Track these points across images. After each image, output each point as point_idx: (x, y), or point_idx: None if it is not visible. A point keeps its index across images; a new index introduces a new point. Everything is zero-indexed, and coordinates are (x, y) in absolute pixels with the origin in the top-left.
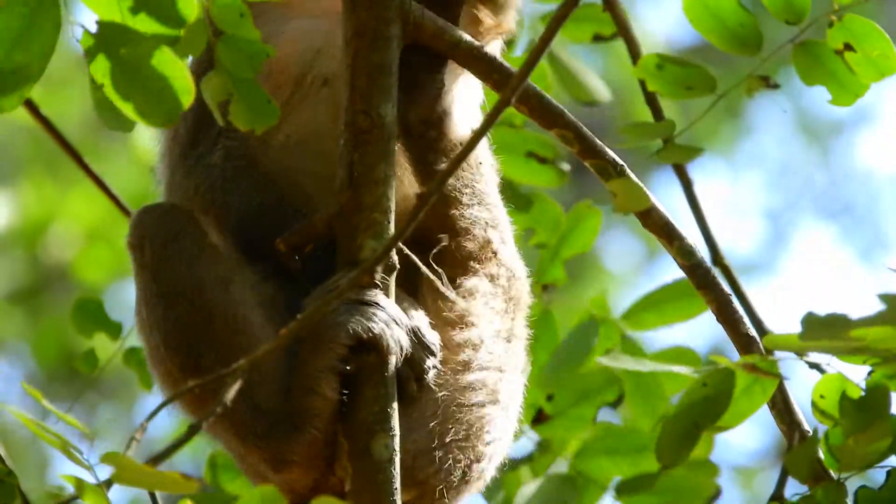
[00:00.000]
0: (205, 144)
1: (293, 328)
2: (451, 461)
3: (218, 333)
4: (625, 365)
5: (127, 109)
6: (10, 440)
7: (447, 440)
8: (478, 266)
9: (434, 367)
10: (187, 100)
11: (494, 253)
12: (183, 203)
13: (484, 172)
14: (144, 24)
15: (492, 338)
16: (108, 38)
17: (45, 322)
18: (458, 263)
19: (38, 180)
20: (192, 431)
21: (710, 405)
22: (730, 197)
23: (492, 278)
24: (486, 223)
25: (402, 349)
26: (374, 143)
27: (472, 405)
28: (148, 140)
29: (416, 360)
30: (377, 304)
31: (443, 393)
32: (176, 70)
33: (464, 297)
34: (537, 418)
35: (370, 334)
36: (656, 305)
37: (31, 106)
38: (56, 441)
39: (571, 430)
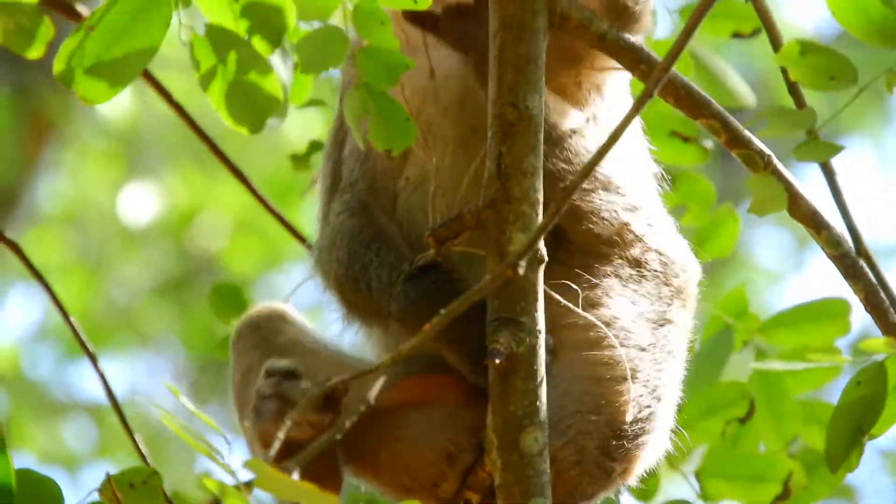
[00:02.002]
0: (335, 201)
1: (438, 322)
2: (580, 433)
3: None
4: (764, 366)
5: (222, 113)
6: (158, 433)
7: (574, 411)
8: (614, 251)
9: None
10: (274, 109)
11: (637, 236)
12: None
13: (610, 158)
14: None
15: (632, 318)
16: (215, 42)
17: (193, 313)
18: (590, 249)
19: (185, 171)
20: (332, 436)
21: (867, 406)
22: (874, 182)
23: (636, 263)
24: (619, 207)
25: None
26: (521, 134)
27: (603, 379)
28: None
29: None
30: None
31: (570, 370)
32: (267, 79)
33: (598, 281)
34: None
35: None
36: (796, 323)
37: (168, 97)
38: (198, 443)
39: (697, 444)
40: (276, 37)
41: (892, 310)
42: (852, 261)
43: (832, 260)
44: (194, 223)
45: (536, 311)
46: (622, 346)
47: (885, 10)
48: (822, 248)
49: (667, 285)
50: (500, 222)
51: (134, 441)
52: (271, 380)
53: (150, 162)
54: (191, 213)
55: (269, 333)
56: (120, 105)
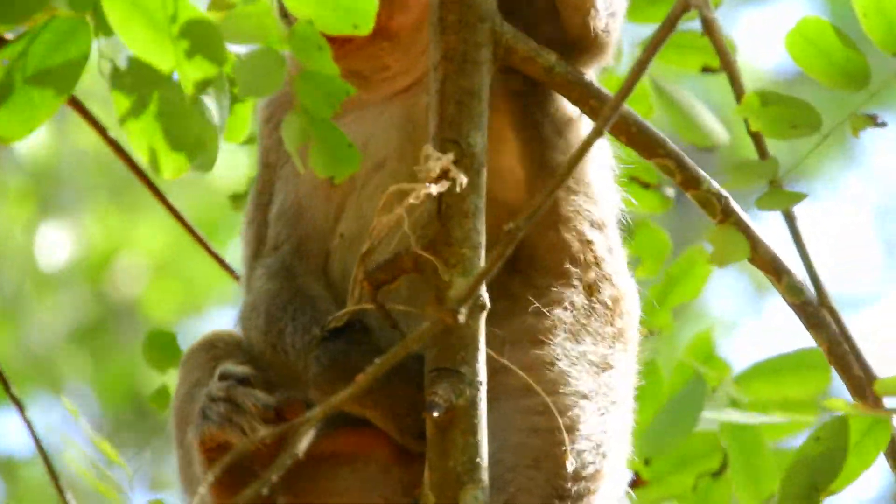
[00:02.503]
0: (257, 267)
1: (373, 371)
2: (520, 489)
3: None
4: (732, 418)
5: (142, 153)
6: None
7: (513, 465)
8: (574, 269)
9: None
10: (201, 151)
11: (596, 260)
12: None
13: (595, 167)
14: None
15: (574, 359)
16: (137, 78)
17: (111, 361)
18: (552, 265)
19: (103, 209)
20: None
21: (826, 463)
22: (836, 229)
23: (589, 290)
24: (591, 220)
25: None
26: (462, 172)
27: (541, 429)
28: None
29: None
30: None
31: (507, 419)
32: (193, 119)
33: (550, 307)
34: (633, 483)
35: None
36: (775, 374)
37: (99, 128)
38: (112, 492)
39: (667, 499)
40: (213, 67)
41: (855, 362)
42: (814, 310)
43: (793, 308)
44: (112, 265)
45: (478, 361)
46: (562, 392)
47: (847, 51)
48: (783, 296)
49: (611, 325)
50: (440, 265)
51: (63, 496)
52: (224, 383)
53: (67, 200)
54: (109, 254)
55: (224, 353)
56: (34, 140)
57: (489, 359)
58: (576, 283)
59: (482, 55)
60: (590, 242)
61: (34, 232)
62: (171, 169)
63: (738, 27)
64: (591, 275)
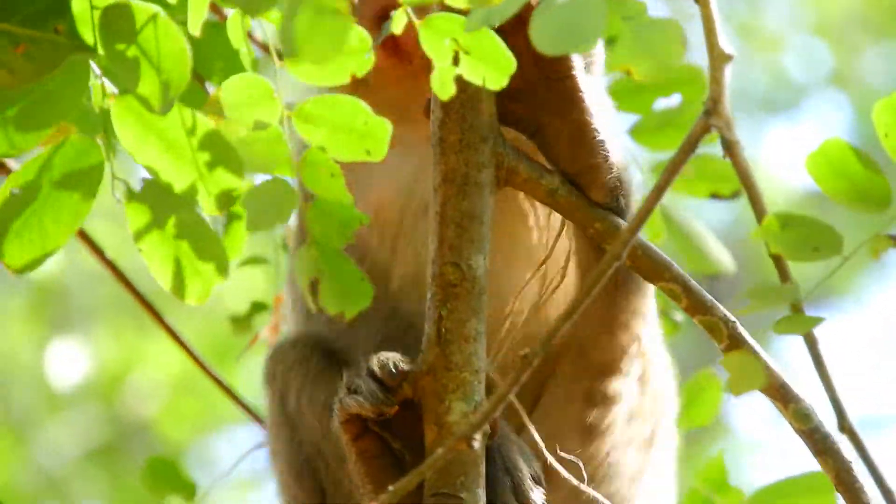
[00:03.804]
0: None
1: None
2: None
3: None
4: None
5: (162, 279)
6: None
7: None
8: (624, 366)
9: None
10: (221, 276)
11: (645, 351)
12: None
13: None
14: (217, 181)
15: (626, 444)
16: (152, 201)
17: (125, 481)
18: (607, 361)
19: (116, 328)
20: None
21: None
22: (861, 348)
23: (641, 381)
24: (641, 315)
25: None
26: (463, 297)
27: None
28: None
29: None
30: None
31: None
32: (211, 241)
33: (604, 403)
34: None
35: None
36: (783, 498)
37: (100, 254)
38: None
39: None
40: (233, 182)
41: (864, 489)
42: (822, 436)
43: (800, 435)
44: (126, 385)
45: (479, 486)
46: (614, 481)
47: (867, 173)
48: (790, 423)
49: (654, 402)
50: (439, 390)
51: None
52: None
53: (78, 318)
54: (122, 373)
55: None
56: None
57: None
58: (628, 374)
59: (483, 177)
60: (639, 337)
61: (44, 350)
62: (196, 294)
63: (764, 142)
64: (641, 366)
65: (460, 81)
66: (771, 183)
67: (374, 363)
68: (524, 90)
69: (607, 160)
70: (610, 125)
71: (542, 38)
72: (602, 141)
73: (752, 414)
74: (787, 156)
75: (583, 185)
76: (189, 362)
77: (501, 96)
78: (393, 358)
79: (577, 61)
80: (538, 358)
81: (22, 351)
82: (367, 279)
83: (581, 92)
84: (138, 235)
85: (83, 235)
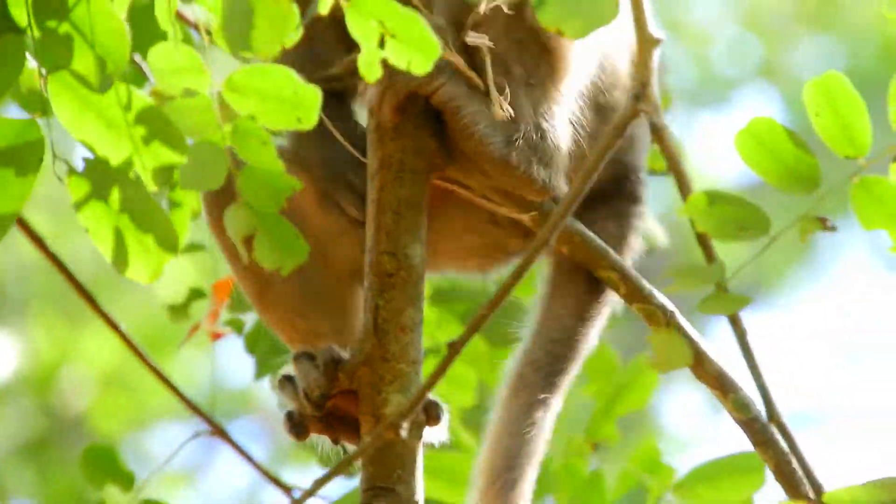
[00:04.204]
0: None
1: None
2: None
3: None
4: None
5: (109, 257)
6: None
7: None
8: None
9: None
10: (172, 252)
11: None
12: None
13: None
14: (155, 156)
15: None
16: (96, 179)
17: (57, 476)
18: None
19: (49, 320)
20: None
21: None
22: (790, 339)
23: None
24: None
25: None
26: (400, 286)
27: None
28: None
29: None
30: None
31: None
32: (158, 218)
33: None
34: None
35: None
36: (713, 478)
37: (38, 240)
38: None
39: None
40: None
41: (804, 481)
42: (762, 426)
43: (740, 425)
44: (59, 378)
45: (415, 479)
46: None
47: (799, 153)
48: (730, 413)
49: None
50: (376, 381)
51: None
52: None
53: (10, 310)
54: (55, 366)
55: None
56: None
57: None
58: None
59: (420, 164)
60: None
61: None
62: (147, 272)
63: (694, 134)
64: None
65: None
66: (701, 175)
67: (313, 357)
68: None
69: (525, 170)
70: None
71: None
72: (503, 157)
73: (684, 412)
74: (717, 148)
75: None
76: (122, 355)
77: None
78: (330, 351)
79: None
80: (464, 345)
81: None
82: (301, 236)
83: (454, 114)
84: (81, 211)
85: (20, 223)
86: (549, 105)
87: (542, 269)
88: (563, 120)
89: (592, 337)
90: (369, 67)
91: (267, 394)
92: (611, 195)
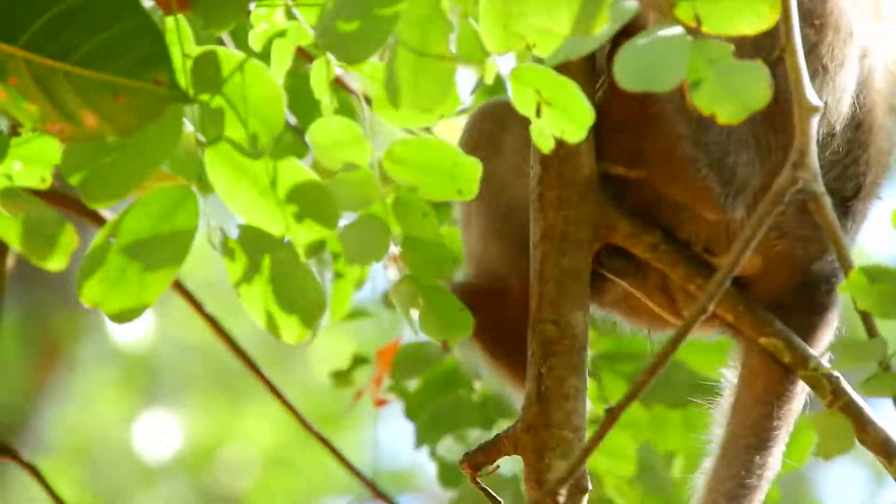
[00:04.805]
0: None
1: None
2: None
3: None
4: None
5: (260, 319)
6: None
7: None
8: None
9: None
10: (319, 314)
11: None
12: None
13: None
14: (308, 229)
15: None
16: (249, 245)
17: None
18: None
19: (207, 401)
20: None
21: None
22: None
23: None
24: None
25: None
26: (563, 354)
27: None
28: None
29: None
30: None
31: None
32: (308, 282)
33: None
34: None
35: None
36: None
37: (204, 313)
38: None
39: None
40: (324, 229)
41: None
42: None
43: None
44: (217, 458)
45: None
46: None
47: None
48: (894, 478)
49: None
50: (539, 448)
51: None
52: None
53: (168, 390)
54: (213, 447)
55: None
56: (134, 327)
57: None
58: None
59: (582, 233)
60: None
61: (134, 423)
62: (293, 333)
63: None
64: None
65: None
66: (861, 252)
67: None
68: (624, 122)
69: (708, 174)
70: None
71: (625, 75)
72: (695, 157)
73: (843, 487)
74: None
75: (694, 207)
76: (283, 434)
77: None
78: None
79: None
80: (623, 410)
81: (112, 423)
82: (465, 308)
83: (666, 118)
84: (236, 279)
85: (189, 298)
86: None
87: (733, 351)
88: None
89: (783, 436)
90: (542, 138)
91: (430, 472)
92: (794, 307)
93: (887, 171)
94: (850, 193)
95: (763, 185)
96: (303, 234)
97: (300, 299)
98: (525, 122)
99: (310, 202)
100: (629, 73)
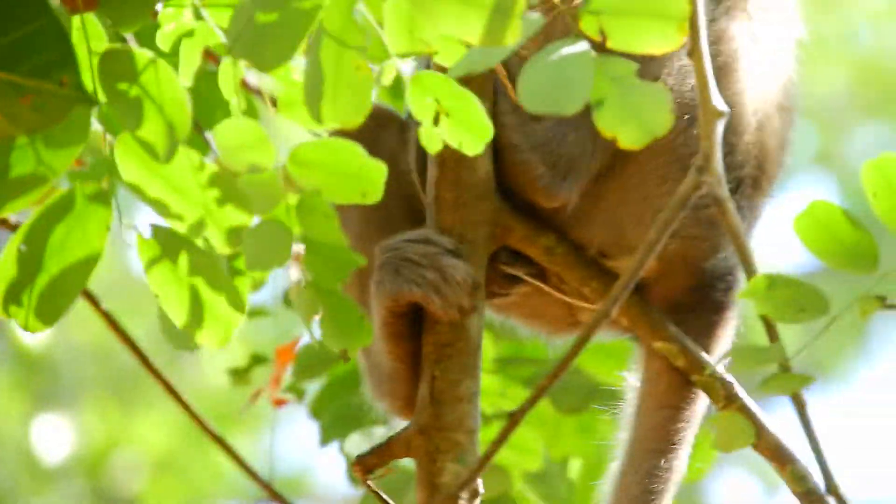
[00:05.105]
0: None
1: None
2: None
3: None
4: None
5: (179, 321)
6: None
7: None
8: None
9: None
10: (238, 318)
11: None
12: None
13: None
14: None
15: None
16: (165, 246)
17: None
18: None
19: (101, 403)
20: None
21: None
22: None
23: None
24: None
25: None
26: (457, 356)
27: None
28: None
29: None
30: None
31: None
32: (226, 285)
33: None
34: None
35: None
36: None
37: (105, 314)
38: None
39: None
40: (241, 217)
41: None
42: (818, 497)
43: (798, 497)
44: (111, 460)
45: None
46: None
47: (857, 233)
48: (787, 485)
49: None
50: (432, 451)
51: None
52: (429, 248)
53: (65, 392)
54: (108, 449)
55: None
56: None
57: None
58: None
59: (479, 234)
60: None
61: (30, 424)
62: (218, 337)
63: None
64: None
65: None
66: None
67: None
68: None
69: (530, 158)
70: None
71: (528, 97)
72: (517, 143)
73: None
74: (773, 235)
75: (526, 196)
76: (175, 438)
77: None
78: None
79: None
80: (525, 414)
81: (7, 424)
82: (365, 317)
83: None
84: (150, 276)
85: (89, 297)
86: None
87: (635, 354)
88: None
89: (687, 439)
90: (430, 140)
91: (325, 479)
92: (693, 306)
93: (776, 168)
94: (731, 187)
95: (599, 166)
96: (221, 223)
97: (219, 303)
98: (404, 124)
99: (224, 192)
100: (532, 95)
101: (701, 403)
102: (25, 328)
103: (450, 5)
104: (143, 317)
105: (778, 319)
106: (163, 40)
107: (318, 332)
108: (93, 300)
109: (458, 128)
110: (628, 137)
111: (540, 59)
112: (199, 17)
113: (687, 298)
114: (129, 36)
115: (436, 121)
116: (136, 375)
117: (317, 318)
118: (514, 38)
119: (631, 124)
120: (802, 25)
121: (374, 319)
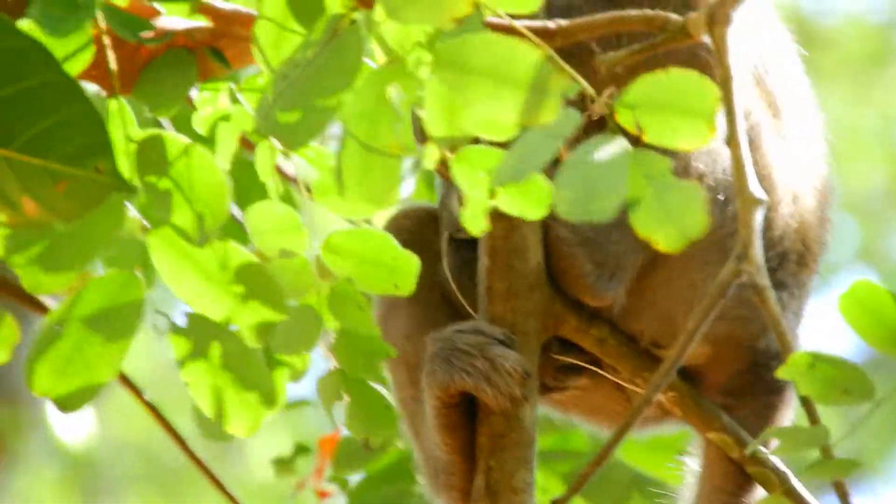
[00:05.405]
0: None
1: None
2: None
3: None
4: None
5: (208, 409)
6: None
7: None
8: None
9: None
10: (270, 406)
11: None
12: None
13: None
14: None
15: None
16: (196, 333)
17: None
18: None
19: (146, 499)
20: None
21: None
22: None
23: None
24: None
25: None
26: (511, 447)
27: None
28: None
29: None
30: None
31: None
32: (258, 372)
33: None
34: None
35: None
36: None
37: (153, 410)
38: None
39: None
40: (271, 312)
41: None
42: None
43: None
44: None
45: None
46: None
47: None
48: None
49: None
50: None
51: None
52: (479, 337)
53: (109, 488)
54: None
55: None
56: (76, 426)
57: None
58: None
59: (530, 325)
60: None
61: None
62: (245, 426)
63: None
64: None
65: (506, 228)
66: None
67: None
68: None
69: (577, 251)
70: None
71: (563, 202)
72: (565, 237)
73: None
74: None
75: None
76: None
77: None
78: None
79: None
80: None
81: None
82: (391, 407)
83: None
84: (182, 368)
85: (131, 386)
86: None
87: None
88: None
89: None
90: (474, 220)
91: None
92: (748, 389)
93: (818, 246)
94: (774, 264)
95: (643, 260)
96: (249, 317)
97: (251, 390)
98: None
99: (255, 285)
100: (568, 202)
101: (759, 489)
102: (61, 407)
103: (484, 86)
104: (186, 409)
105: (820, 401)
106: (200, 124)
107: (340, 420)
108: (136, 391)
109: (516, 195)
110: (665, 240)
111: (577, 163)
112: (235, 100)
113: (742, 381)
114: (165, 121)
115: (492, 194)
116: (180, 470)
117: (341, 405)
118: (550, 115)
119: (667, 226)
120: (831, 121)
121: (427, 412)
